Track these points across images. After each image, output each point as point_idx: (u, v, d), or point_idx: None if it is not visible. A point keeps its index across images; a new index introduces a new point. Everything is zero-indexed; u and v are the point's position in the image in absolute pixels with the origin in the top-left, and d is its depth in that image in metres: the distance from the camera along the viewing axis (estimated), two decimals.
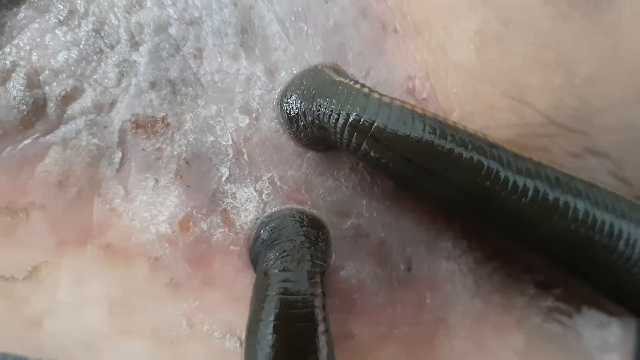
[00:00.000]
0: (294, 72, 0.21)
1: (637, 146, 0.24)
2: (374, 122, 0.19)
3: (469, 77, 0.22)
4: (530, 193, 0.20)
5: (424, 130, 0.19)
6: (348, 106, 0.19)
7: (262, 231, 0.20)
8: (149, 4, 0.21)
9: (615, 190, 0.22)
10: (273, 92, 0.21)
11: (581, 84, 0.23)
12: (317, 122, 0.20)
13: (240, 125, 0.21)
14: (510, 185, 0.20)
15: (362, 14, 0.22)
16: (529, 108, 0.22)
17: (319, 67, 0.21)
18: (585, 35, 0.23)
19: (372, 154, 0.19)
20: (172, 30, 0.21)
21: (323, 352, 0.19)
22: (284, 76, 0.21)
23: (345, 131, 0.19)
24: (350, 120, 0.19)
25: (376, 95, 0.19)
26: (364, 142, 0.19)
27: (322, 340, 0.19)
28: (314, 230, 0.20)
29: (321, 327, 0.19)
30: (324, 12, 0.21)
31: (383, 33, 0.22)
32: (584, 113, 0.23)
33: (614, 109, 0.23)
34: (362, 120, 0.19)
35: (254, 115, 0.21)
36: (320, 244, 0.20)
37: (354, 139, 0.19)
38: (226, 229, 0.20)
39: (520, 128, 0.22)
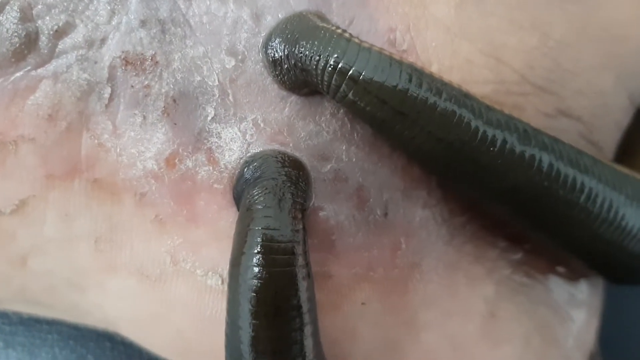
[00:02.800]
0: (280, 17, 0.21)
1: (605, 111, 0.25)
2: (352, 65, 0.20)
3: (448, 32, 0.23)
4: (498, 143, 0.20)
5: (400, 76, 0.20)
6: (329, 49, 0.20)
7: (245, 170, 0.21)
8: None
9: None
10: (259, 35, 0.21)
11: (554, 47, 0.23)
12: (300, 64, 0.20)
13: (227, 66, 0.21)
14: (480, 134, 0.20)
15: None
16: (505, 66, 0.23)
17: (304, 14, 0.21)
18: (560, 0, 0.23)
19: (350, 96, 0.20)
20: None
21: (303, 284, 0.19)
22: (270, 21, 0.21)
23: (326, 74, 0.20)
24: (330, 62, 0.20)
25: (356, 40, 0.20)
26: (343, 84, 0.20)
27: (302, 272, 0.19)
28: (295, 171, 0.21)
29: (301, 260, 0.19)
30: None
31: None
32: (557, 75, 0.23)
33: (584, 73, 0.24)
34: (341, 63, 0.20)
35: (239, 57, 0.21)
36: (300, 184, 0.21)
37: (333, 82, 0.20)
38: (211, 167, 0.21)
39: (496, 85, 0.23)
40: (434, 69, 0.23)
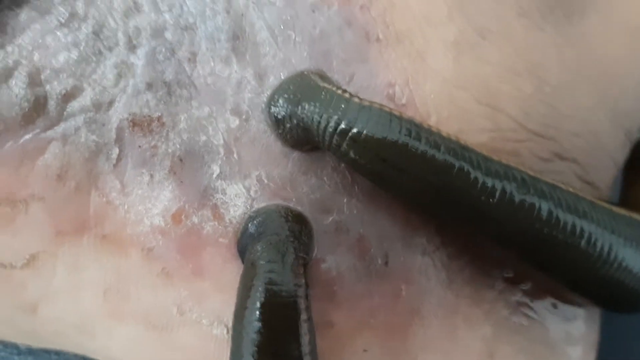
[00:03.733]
0: (282, 77, 0.22)
1: (600, 151, 0.25)
2: (353, 125, 0.20)
3: (446, 84, 0.23)
4: (497, 193, 0.21)
5: (400, 132, 0.20)
6: (330, 110, 0.20)
7: (249, 225, 0.21)
8: (146, 9, 0.21)
9: (582, 193, 0.23)
10: (262, 95, 0.22)
11: (550, 92, 0.24)
12: (302, 125, 0.21)
13: (231, 126, 0.22)
14: (479, 185, 0.21)
15: (347, 23, 0.22)
16: (502, 114, 0.23)
17: (305, 73, 0.22)
18: (556, 45, 0.24)
19: (351, 154, 0.20)
20: (168, 35, 0.22)
21: (305, 338, 0.20)
22: (273, 80, 0.22)
23: (327, 134, 0.20)
24: (331, 123, 0.20)
25: (356, 100, 0.20)
26: (344, 144, 0.20)
27: (304, 327, 0.20)
28: (297, 225, 0.21)
29: (304, 315, 0.20)
30: (311, 21, 0.22)
31: (366, 41, 0.23)
32: (553, 119, 0.24)
33: (580, 115, 0.24)
34: (342, 124, 0.20)
35: (244, 116, 0.22)
36: (303, 238, 0.21)
37: (334, 141, 0.20)
38: (216, 223, 0.21)
39: (493, 133, 0.23)
40: (433, 120, 0.23)
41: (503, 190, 0.21)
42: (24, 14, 0.21)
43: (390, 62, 0.23)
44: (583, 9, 0.24)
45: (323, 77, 0.22)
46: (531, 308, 0.25)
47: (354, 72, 0.23)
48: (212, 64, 0.22)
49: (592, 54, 0.24)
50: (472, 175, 0.21)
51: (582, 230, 0.22)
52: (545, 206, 0.21)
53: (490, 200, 0.21)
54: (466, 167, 0.21)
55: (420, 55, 0.23)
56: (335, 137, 0.20)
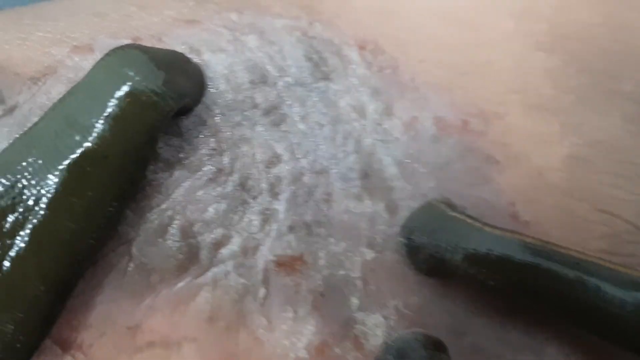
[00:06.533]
0: (412, 208, 0.23)
1: None
2: (486, 253, 0.21)
3: (564, 197, 0.23)
4: (629, 305, 0.21)
5: (528, 254, 0.21)
6: (461, 239, 0.21)
7: (388, 354, 0.22)
8: (285, 159, 0.23)
9: None
10: (394, 227, 0.22)
11: None
12: (435, 254, 0.21)
13: (367, 258, 0.22)
14: (610, 297, 0.21)
15: (468, 149, 0.23)
16: (618, 219, 0.23)
17: (434, 203, 0.23)
18: None
19: (482, 278, 0.21)
20: (305, 179, 0.23)
21: None
22: (404, 212, 0.23)
23: (462, 263, 0.21)
24: (463, 252, 0.21)
25: (484, 228, 0.21)
26: (478, 271, 0.21)
27: None
28: (436, 352, 0.21)
29: None
30: (434, 152, 0.23)
31: (487, 164, 0.23)
32: None
33: None
34: (476, 253, 0.21)
35: (378, 249, 0.22)
36: None
37: (469, 269, 0.21)
38: (358, 353, 0.22)
39: (611, 238, 0.23)
40: (555, 235, 0.23)
41: (635, 300, 0.21)
42: (176, 173, 0.22)
43: (511, 181, 0.23)
44: None
45: (451, 205, 0.22)
46: None
47: (477, 195, 0.23)
48: (346, 201, 0.23)
49: None
50: (602, 288, 0.21)
51: None
52: None
53: (623, 311, 0.21)
54: (594, 281, 0.21)
55: (538, 172, 0.24)
56: (468, 264, 0.21)
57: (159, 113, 0.20)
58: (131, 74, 0.20)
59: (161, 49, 0.22)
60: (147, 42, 0.23)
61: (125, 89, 0.19)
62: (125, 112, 0.19)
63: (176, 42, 0.23)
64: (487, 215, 0.22)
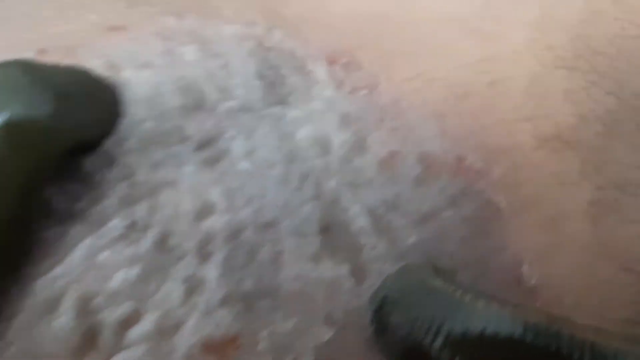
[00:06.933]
0: (385, 273, 0.18)
1: None
2: (478, 338, 0.17)
3: (584, 253, 0.20)
4: None
5: (527, 333, 0.17)
6: (449, 321, 0.17)
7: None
8: (220, 208, 0.18)
9: None
10: (360, 298, 0.18)
11: None
12: (413, 337, 0.17)
13: (323, 339, 0.18)
14: None
15: (462, 193, 0.19)
16: None
17: (414, 267, 0.18)
18: None
19: None
20: (246, 236, 0.18)
21: None
22: (374, 278, 0.18)
23: (446, 350, 0.17)
24: (452, 338, 0.17)
25: (481, 304, 0.17)
26: (461, 355, 0.17)
27: None
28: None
29: None
30: (417, 198, 0.19)
31: (486, 213, 0.19)
32: None
33: None
34: (465, 337, 0.17)
35: (338, 326, 0.18)
36: None
37: (451, 355, 0.17)
38: None
39: (638, 305, 0.20)
40: (569, 300, 0.19)
41: None
42: (73, 229, 0.17)
43: (517, 234, 0.19)
44: None
45: (436, 269, 0.18)
46: None
47: (473, 252, 0.19)
48: (299, 264, 0.18)
49: None
50: None
51: None
52: None
53: None
54: None
55: (552, 222, 0.20)
56: (452, 351, 0.17)
57: (42, 151, 0.16)
58: (6, 100, 0.16)
59: (58, 66, 0.18)
60: (54, 56, 0.19)
61: None
62: None
63: (92, 55, 0.19)
64: (484, 281, 0.18)
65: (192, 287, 0.17)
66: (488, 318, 0.17)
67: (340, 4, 0.22)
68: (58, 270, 0.17)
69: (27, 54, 0.19)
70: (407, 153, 0.19)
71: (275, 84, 0.19)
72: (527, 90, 0.21)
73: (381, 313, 0.18)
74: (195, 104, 0.19)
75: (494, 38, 0.22)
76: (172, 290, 0.17)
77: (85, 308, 0.17)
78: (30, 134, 0.16)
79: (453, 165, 0.20)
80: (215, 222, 0.18)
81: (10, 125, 0.16)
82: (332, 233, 0.18)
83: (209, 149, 0.18)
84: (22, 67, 0.17)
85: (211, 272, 0.17)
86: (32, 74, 0.17)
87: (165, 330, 0.17)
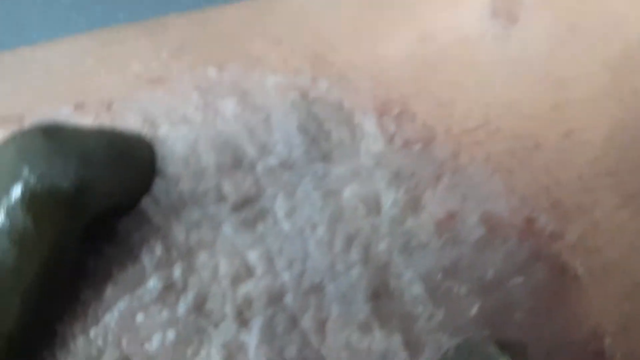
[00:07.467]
0: (443, 346, 0.20)
1: None
2: None
3: None
4: None
5: None
6: None
7: None
8: (258, 272, 0.21)
9: None
10: None
11: None
12: None
13: None
14: None
15: (532, 258, 0.21)
16: None
17: (476, 341, 0.20)
18: None
19: None
20: (287, 300, 0.21)
21: None
22: (430, 352, 0.20)
23: None
24: None
25: None
26: None
27: None
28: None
29: None
30: (479, 264, 0.21)
31: (561, 278, 0.21)
32: None
33: None
34: None
35: None
36: None
37: None
38: None
39: None
40: None
41: None
42: (108, 291, 0.20)
43: (597, 304, 0.21)
44: None
45: (502, 343, 0.20)
46: None
47: (545, 324, 0.20)
48: (346, 332, 0.20)
49: None
50: None
51: None
52: None
53: None
54: None
55: (638, 290, 0.21)
56: None
57: (65, 223, 0.19)
58: (25, 171, 0.19)
59: (86, 129, 0.21)
60: (92, 110, 0.22)
61: (17, 192, 0.18)
62: (17, 225, 0.18)
63: (129, 109, 0.23)
64: (558, 358, 0.20)
65: (232, 353, 0.20)
66: None
67: (394, 47, 0.24)
68: (94, 331, 0.20)
69: (65, 108, 0.23)
70: (468, 213, 0.22)
71: (319, 139, 0.22)
72: (608, 140, 0.23)
73: None
74: (233, 162, 0.22)
75: (568, 82, 0.24)
76: (211, 355, 0.20)
77: None
78: (50, 205, 0.19)
79: (522, 226, 0.22)
80: (255, 286, 0.21)
81: (29, 196, 0.17)
82: (382, 300, 0.21)
83: (248, 209, 0.21)
84: (44, 134, 0.19)
85: (251, 338, 0.20)
86: (55, 141, 0.19)
87: None
